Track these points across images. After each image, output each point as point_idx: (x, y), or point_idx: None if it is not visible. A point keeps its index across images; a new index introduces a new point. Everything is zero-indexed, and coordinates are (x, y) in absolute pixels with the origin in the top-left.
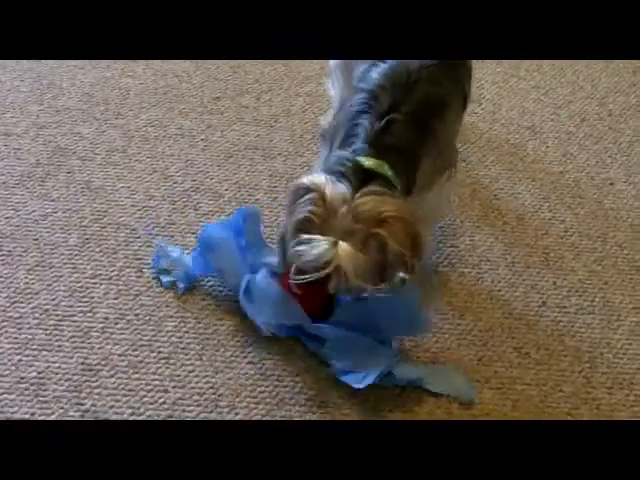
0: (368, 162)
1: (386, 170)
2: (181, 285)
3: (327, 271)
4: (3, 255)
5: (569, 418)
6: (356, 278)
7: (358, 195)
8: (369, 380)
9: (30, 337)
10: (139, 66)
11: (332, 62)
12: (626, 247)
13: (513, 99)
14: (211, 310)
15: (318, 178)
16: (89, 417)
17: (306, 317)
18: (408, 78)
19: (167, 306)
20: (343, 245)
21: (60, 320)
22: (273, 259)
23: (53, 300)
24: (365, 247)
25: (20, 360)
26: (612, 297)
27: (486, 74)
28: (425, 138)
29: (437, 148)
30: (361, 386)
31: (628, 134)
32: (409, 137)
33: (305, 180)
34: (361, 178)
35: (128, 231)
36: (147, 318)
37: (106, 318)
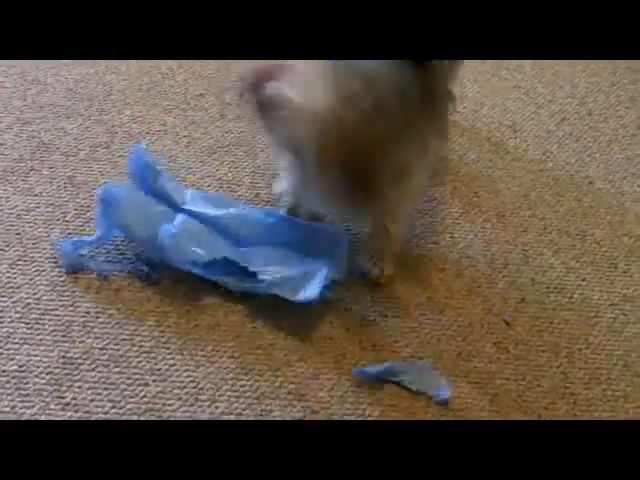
0: None
1: None
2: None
3: None
4: None
5: (547, 413)
6: None
7: None
8: (312, 292)
9: (12, 331)
10: (123, 63)
11: None
12: (604, 244)
13: (495, 98)
14: (192, 305)
15: None
16: (70, 410)
17: (232, 247)
18: None
19: (148, 300)
20: None
21: (42, 314)
22: None
23: (35, 294)
24: None
25: (1, 354)
26: (590, 294)
27: (468, 73)
28: None
29: None
30: (301, 299)
31: (607, 133)
32: None
33: None
34: None
35: None
36: (128, 312)
37: (87, 312)
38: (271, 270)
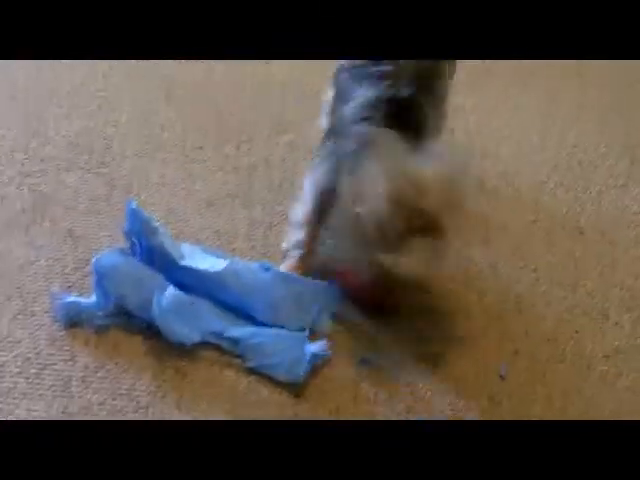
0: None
1: None
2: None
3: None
4: None
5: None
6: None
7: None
8: (296, 377)
9: (12, 386)
10: (123, 115)
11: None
12: (596, 296)
13: (487, 147)
14: (188, 360)
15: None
16: None
17: (220, 322)
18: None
19: (146, 355)
20: None
21: (41, 368)
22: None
23: (35, 348)
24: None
25: (1, 409)
26: (583, 346)
27: (460, 123)
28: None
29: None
30: (286, 381)
31: (598, 183)
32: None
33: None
34: None
35: None
36: (126, 367)
37: (86, 367)
38: (259, 354)
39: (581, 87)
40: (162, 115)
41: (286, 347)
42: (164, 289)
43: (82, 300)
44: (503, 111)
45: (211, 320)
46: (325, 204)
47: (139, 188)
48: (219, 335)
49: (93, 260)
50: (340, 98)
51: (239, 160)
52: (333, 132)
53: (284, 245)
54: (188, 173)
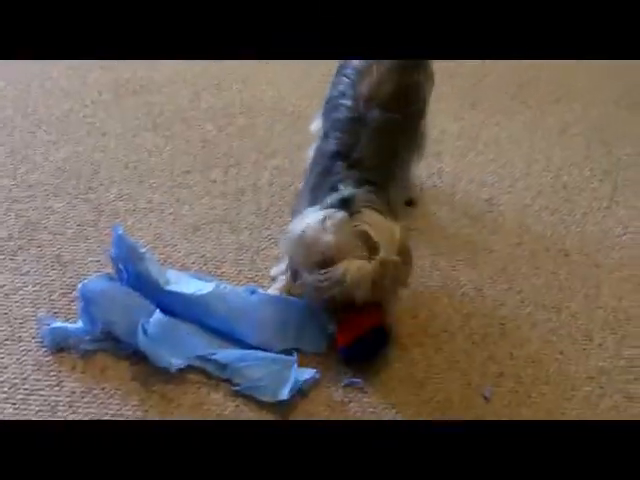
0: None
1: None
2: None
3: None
4: None
5: None
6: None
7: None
8: (282, 396)
9: None
10: (111, 141)
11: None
12: (580, 317)
13: (472, 172)
14: (175, 383)
15: (312, 218)
16: None
17: (207, 346)
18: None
19: (132, 380)
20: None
21: (28, 394)
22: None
23: (21, 374)
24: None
25: None
26: (567, 367)
27: (445, 148)
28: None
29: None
30: (273, 400)
31: (582, 206)
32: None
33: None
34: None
35: None
36: (112, 392)
37: (73, 392)
38: (244, 373)
39: (564, 112)
40: (149, 141)
41: (273, 370)
42: (150, 315)
43: (69, 325)
44: (488, 136)
45: (197, 344)
46: None
47: (126, 213)
48: (206, 359)
49: (80, 286)
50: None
51: (226, 185)
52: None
53: (273, 271)
54: (175, 198)
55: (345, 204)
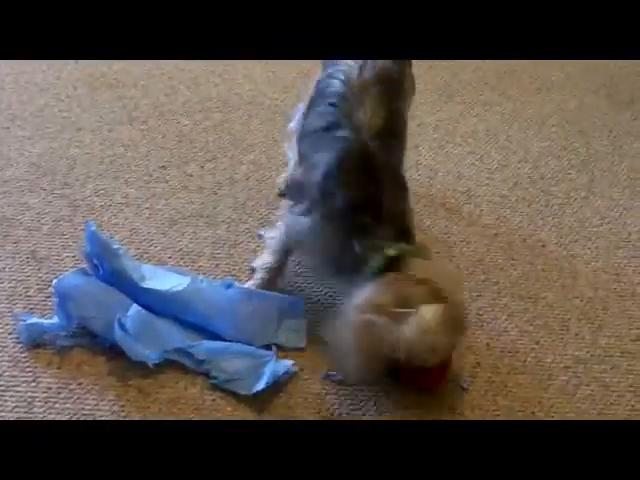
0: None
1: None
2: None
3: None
4: None
5: None
6: None
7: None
8: (258, 387)
9: None
10: (86, 136)
11: (291, 126)
12: (557, 307)
13: (449, 164)
14: (153, 378)
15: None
16: None
17: (184, 340)
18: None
19: (109, 375)
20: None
21: (3, 390)
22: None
23: None
24: None
25: None
26: (543, 357)
27: (423, 140)
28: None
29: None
30: (250, 393)
31: (559, 197)
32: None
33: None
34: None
35: None
36: (89, 387)
37: (49, 388)
38: (222, 367)
39: (543, 103)
40: (125, 135)
41: (251, 364)
42: (126, 309)
43: (44, 321)
44: (466, 128)
45: (175, 338)
46: (291, 251)
47: (102, 209)
48: (183, 352)
49: (55, 281)
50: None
51: (203, 179)
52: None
53: (255, 262)
54: (152, 193)
55: (392, 264)
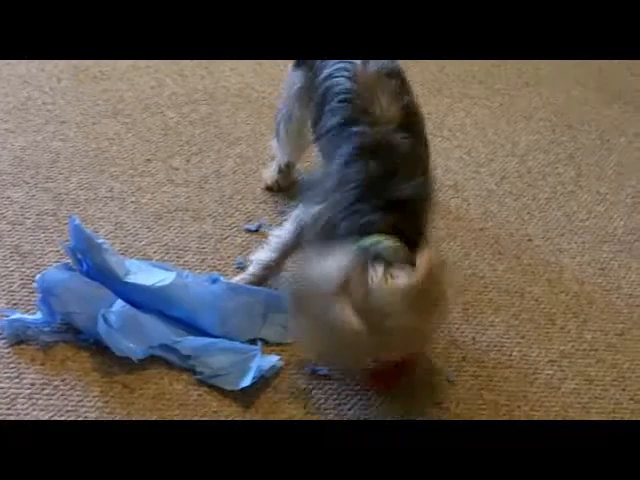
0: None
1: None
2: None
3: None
4: None
5: None
6: None
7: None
8: (244, 383)
9: None
10: (70, 129)
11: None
12: (543, 301)
13: (437, 158)
14: (137, 374)
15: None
16: None
17: (169, 335)
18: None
19: (94, 370)
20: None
21: None
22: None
23: None
24: None
25: None
26: (529, 351)
27: None
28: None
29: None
30: (236, 388)
31: (546, 191)
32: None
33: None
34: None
35: None
36: (73, 383)
37: (33, 384)
38: (208, 362)
39: (531, 97)
40: (110, 128)
41: (236, 359)
42: (111, 304)
43: (28, 317)
44: (453, 122)
45: (160, 334)
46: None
47: (87, 202)
48: (168, 348)
49: (38, 276)
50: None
51: (189, 173)
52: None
53: (253, 256)
54: (137, 187)
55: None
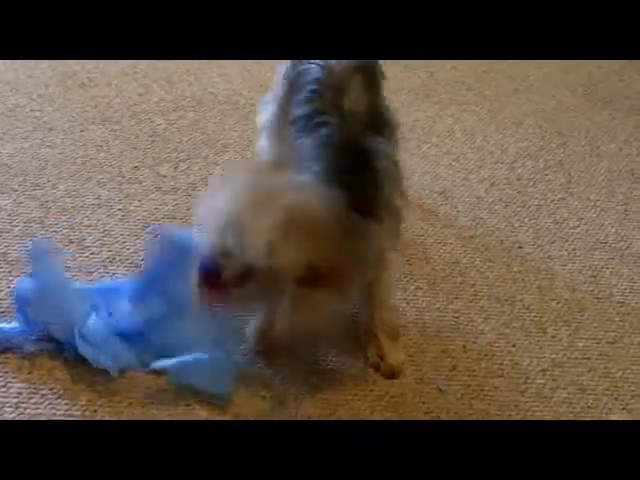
0: None
1: None
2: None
3: None
4: None
5: None
6: None
7: None
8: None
9: None
10: (58, 136)
11: (261, 122)
12: (534, 309)
13: (426, 165)
14: (125, 382)
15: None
16: None
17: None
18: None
19: (81, 379)
20: None
21: None
22: None
23: None
24: None
25: None
26: (520, 359)
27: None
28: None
29: None
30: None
31: (536, 198)
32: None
33: None
34: None
35: None
36: (61, 392)
37: (19, 393)
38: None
39: (520, 103)
40: (98, 135)
41: (214, 370)
42: (85, 317)
43: (5, 326)
44: (442, 128)
45: (135, 353)
46: None
47: (74, 210)
48: (145, 366)
49: (15, 284)
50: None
51: (177, 180)
52: None
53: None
54: (125, 194)
55: None
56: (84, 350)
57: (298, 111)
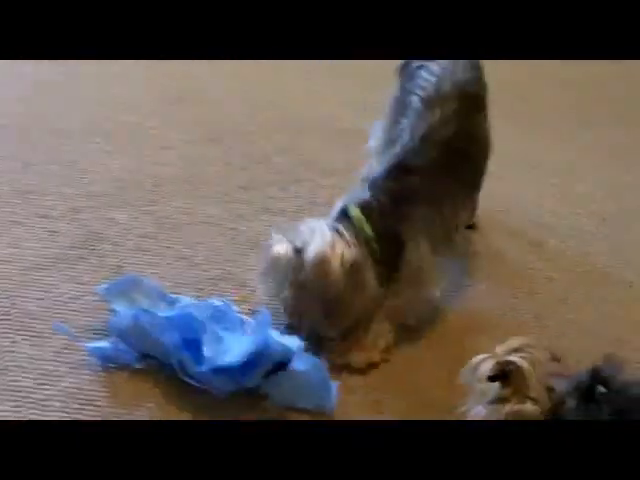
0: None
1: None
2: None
3: None
4: (33, 336)
5: None
6: None
7: None
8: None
9: (55, 420)
10: (171, 153)
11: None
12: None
13: (528, 197)
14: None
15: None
16: None
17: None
18: None
19: (179, 396)
20: None
21: (83, 404)
22: None
23: (77, 383)
24: None
25: None
26: None
27: (502, 170)
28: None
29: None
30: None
31: None
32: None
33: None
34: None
35: None
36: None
37: (126, 403)
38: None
39: (628, 135)
40: (211, 155)
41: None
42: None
43: (110, 345)
44: (551, 159)
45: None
46: None
47: (186, 227)
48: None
49: (110, 321)
50: None
51: (285, 202)
52: None
53: None
54: (235, 214)
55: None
56: (187, 380)
57: (382, 139)
